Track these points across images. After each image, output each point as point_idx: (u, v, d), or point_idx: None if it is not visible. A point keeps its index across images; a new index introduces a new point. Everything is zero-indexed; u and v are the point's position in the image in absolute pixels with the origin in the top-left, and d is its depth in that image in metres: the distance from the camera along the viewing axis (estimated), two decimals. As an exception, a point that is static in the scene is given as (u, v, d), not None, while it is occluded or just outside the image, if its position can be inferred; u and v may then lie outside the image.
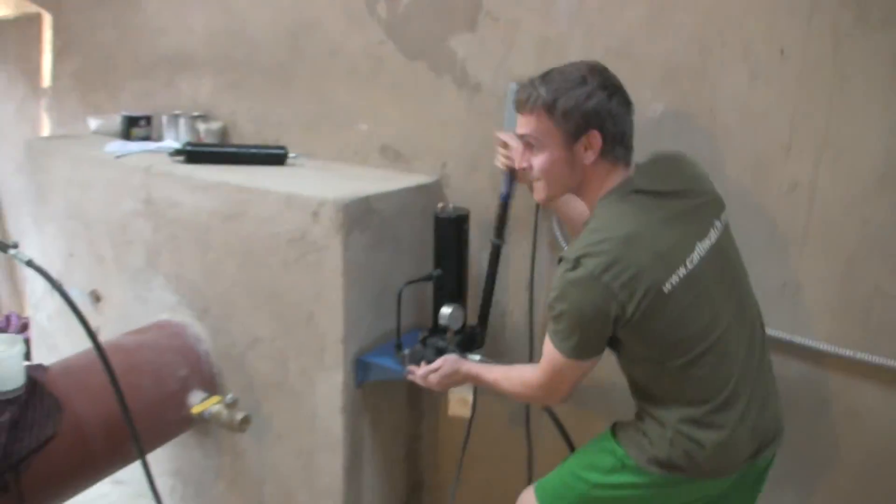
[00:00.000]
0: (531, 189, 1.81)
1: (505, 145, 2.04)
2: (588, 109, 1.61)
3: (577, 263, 1.55)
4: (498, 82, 2.29)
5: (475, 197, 2.40)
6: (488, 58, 2.31)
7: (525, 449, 2.50)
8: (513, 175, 2.08)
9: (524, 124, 1.71)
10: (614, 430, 1.81)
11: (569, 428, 2.20)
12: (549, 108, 1.63)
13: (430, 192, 2.44)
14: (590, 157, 1.65)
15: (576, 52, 2.15)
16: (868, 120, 1.85)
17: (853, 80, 1.85)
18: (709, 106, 2.02)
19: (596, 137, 1.63)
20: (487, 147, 2.32)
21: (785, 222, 1.97)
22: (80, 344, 2.73)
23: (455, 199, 2.42)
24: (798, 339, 2.00)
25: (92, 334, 1.93)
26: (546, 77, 1.67)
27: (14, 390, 1.90)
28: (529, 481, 2.51)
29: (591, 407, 2.32)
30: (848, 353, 1.96)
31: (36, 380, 1.99)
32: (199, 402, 2.31)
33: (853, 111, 1.86)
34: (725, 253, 1.70)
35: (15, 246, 1.98)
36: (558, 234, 2.29)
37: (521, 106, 1.70)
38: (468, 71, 2.36)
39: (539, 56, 2.21)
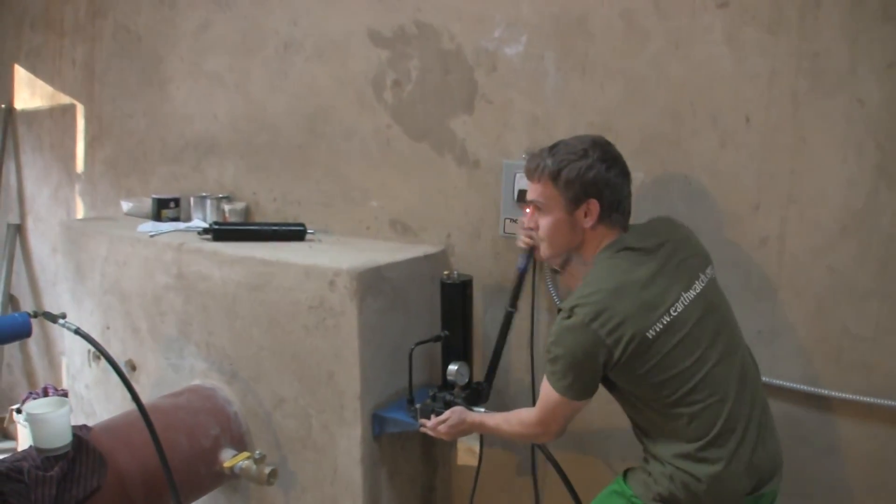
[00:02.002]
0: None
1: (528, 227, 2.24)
2: (588, 180, 1.85)
3: (571, 313, 1.77)
4: (494, 158, 2.56)
5: (478, 263, 2.66)
6: (485, 136, 2.58)
7: (532, 497, 2.68)
8: (531, 253, 2.29)
9: (533, 190, 1.95)
10: (625, 474, 1.98)
11: (570, 472, 2.37)
12: (554, 177, 1.87)
13: (436, 260, 2.69)
14: (588, 221, 1.88)
15: (562, 128, 2.41)
16: (827, 176, 2.07)
17: (811, 141, 2.08)
18: (683, 171, 2.25)
19: (594, 205, 1.86)
20: (488, 218, 2.60)
21: (758, 274, 2.17)
22: (116, 410, 2.99)
23: (459, 266, 2.67)
24: (776, 381, 2.18)
25: (134, 393, 2.17)
26: (553, 149, 1.91)
27: (62, 447, 2.11)
28: (537, 527, 2.72)
29: (592, 452, 2.53)
30: (823, 391, 2.15)
31: (82, 437, 2.19)
32: (230, 459, 2.51)
33: (813, 169, 2.09)
34: (711, 302, 1.87)
35: (63, 316, 2.25)
36: (555, 297, 2.52)
37: (531, 174, 1.95)
38: (467, 149, 2.62)
39: (530, 133, 2.48)
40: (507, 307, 2.37)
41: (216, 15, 3.23)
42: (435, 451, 2.84)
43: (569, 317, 1.77)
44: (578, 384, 1.80)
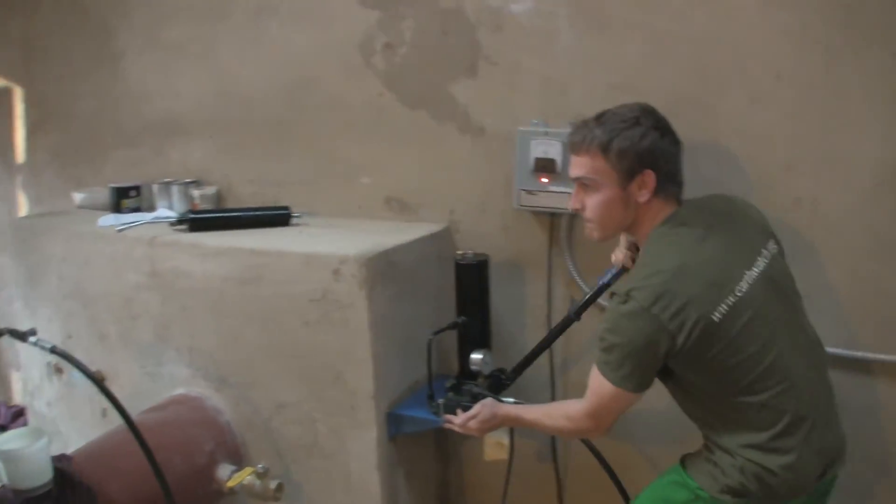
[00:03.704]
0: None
1: (630, 246, 2.16)
2: (642, 149, 1.80)
3: (627, 297, 1.71)
4: (502, 125, 2.50)
5: (486, 240, 2.61)
6: (490, 102, 2.53)
7: (554, 484, 2.71)
8: (622, 272, 2.17)
9: (579, 165, 1.87)
10: (684, 462, 1.94)
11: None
12: (605, 149, 1.81)
13: (441, 239, 2.64)
14: (644, 195, 1.83)
15: (578, 89, 2.38)
16: (862, 133, 2.10)
17: (845, 98, 2.10)
18: (711, 132, 2.25)
19: (650, 176, 1.81)
20: (496, 190, 2.56)
21: (792, 236, 2.15)
22: (84, 428, 2.89)
23: (465, 243, 2.63)
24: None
25: (126, 416, 2.06)
26: (600, 118, 1.85)
27: (43, 485, 1.97)
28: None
29: (621, 436, 2.53)
30: (861, 354, 2.21)
31: (64, 471, 2.05)
32: (230, 475, 2.44)
33: (847, 126, 2.11)
34: (775, 280, 1.83)
35: (33, 333, 2.10)
36: (573, 271, 2.50)
37: (577, 147, 1.87)
38: (471, 116, 2.56)
39: (542, 96, 2.44)
40: (570, 312, 2.28)
41: (174, -22, 3.07)
42: (447, 446, 2.82)
43: (625, 301, 1.72)
44: (637, 375, 1.76)
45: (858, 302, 2.21)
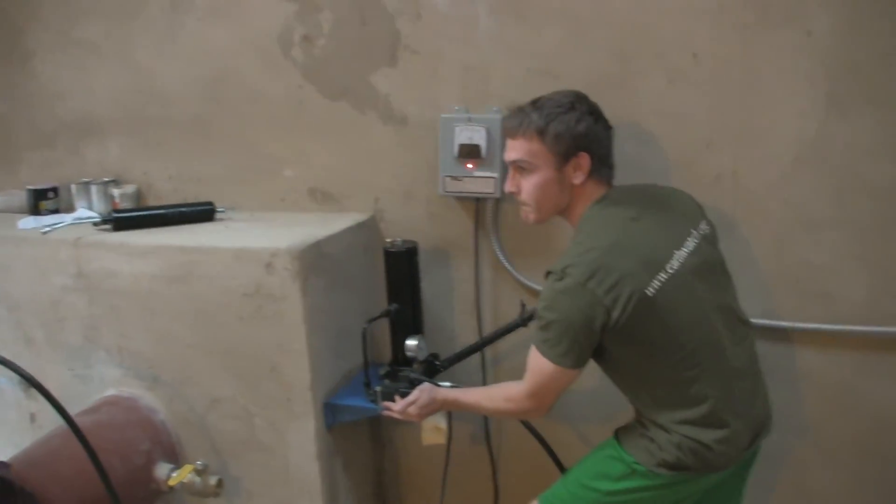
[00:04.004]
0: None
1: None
2: (578, 133, 1.89)
3: (563, 274, 1.77)
4: (425, 113, 2.54)
5: (411, 227, 2.66)
6: (412, 90, 2.56)
7: (489, 465, 2.77)
8: None
9: (515, 148, 1.96)
10: (618, 437, 2.01)
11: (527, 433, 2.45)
12: (542, 132, 1.90)
13: (367, 228, 2.67)
14: (579, 177, 1.93)
15: (499, 75, 2.43)
16: (778, 109, 2.19)
17: (761, 74, 2.18)
18: (631, 113, 2.31)
19: (585, 159, 1.91)
20: (420, 177, 2.61)
21: (714, 212, 2.21)
22: (12, 434, 2.85)
23: (391, 232, 2.68)
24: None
25: (71, 421, 2.05)
26: (536, 103, 1.94)
27: None
28: (496, 496, 2.80)
29: (557, 416, 2.60)
30: (784, 324, 2.31)
31: (4, 478, 2.05)
32: (168, 474, 2.45)
33: (764, 102, 2.19)
34: (705, 259, 1.92)
35: None
36: (500, 254, 2.56)
37: (513, 131, 1.96)
38: (393, 105, 2.59)
39: (464, 83, 2.48)
40: (520, 319, 2.35)
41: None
42: (382, 433, 2.86)
43: (561, 278, 1.78)
44: (575, 351, 1.81)
45: (780, 273, 2.31)
